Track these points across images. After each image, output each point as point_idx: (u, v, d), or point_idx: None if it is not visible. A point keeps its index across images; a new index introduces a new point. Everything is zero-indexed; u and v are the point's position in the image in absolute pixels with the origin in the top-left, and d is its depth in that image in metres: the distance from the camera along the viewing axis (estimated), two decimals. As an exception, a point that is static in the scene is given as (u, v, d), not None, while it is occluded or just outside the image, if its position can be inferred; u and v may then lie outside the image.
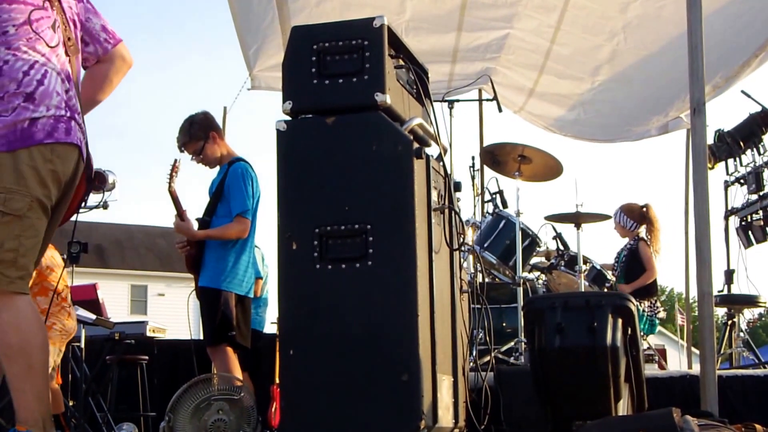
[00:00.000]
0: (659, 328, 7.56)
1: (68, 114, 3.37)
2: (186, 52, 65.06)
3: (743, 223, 7.95)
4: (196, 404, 4.00)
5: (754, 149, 7.86)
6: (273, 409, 6.65)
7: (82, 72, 3.67)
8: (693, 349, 10.74)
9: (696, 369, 6.04)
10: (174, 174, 5.17)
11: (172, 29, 63.46)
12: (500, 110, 7.06)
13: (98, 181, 6.55)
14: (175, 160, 5.24)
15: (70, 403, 7.13)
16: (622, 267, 7.54)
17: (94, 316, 7.21)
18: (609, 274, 7.31)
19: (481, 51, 8.40)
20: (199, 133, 5.39)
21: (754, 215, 7.80)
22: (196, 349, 6.99)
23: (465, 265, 6.06)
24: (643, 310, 7.27)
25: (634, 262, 7.47)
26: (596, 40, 7.81)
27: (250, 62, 7.91)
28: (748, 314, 8.73)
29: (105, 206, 6.64)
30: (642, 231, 7.56)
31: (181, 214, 5.22)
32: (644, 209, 7.58)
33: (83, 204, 3.64)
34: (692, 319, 10.77)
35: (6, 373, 3.29)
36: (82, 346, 7.24)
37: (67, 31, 3.47)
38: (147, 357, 8.47)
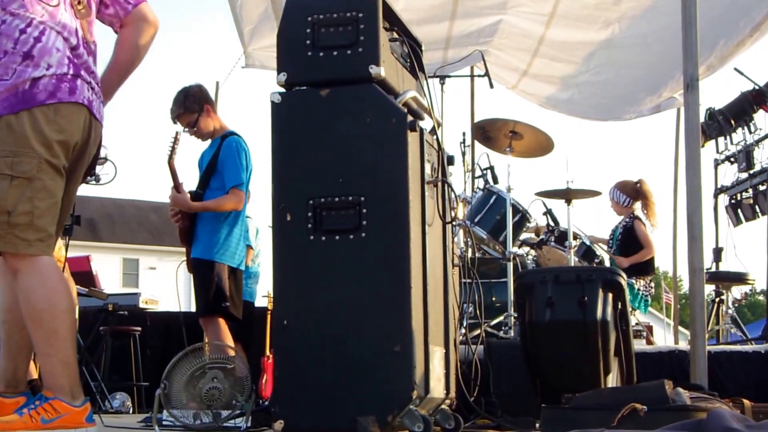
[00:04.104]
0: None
1: (72, 72, 3.33)
2: (180, 27, 64.71)
3: (733, 201, 7.98)
4: (191, 372, 4.02)
5: (745, 127, 7.88)
6: (263, 381, 6.69)
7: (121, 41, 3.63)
8: (680, 328, 10.83)
9: (683, 345, 6.09)
10: (175, 147, 5.16)
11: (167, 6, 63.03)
12: (491, 86, 7.06)
13: None
14: (177, 133, 5.20)
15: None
16: (618, 244, 7.53)
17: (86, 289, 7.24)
18: (599, 250, 7.32)
19: (474, 36, 8.35)
20: (193, 106, 5.37)
21: (743, 193, 7.83)
22: (186, 321, 7.03)
23: (455, 239, 6.10)
24: (638, 289, 7.29)
25: (630, 240, 7.44)
26: (590, 29, 7.78)
27: (245, 40, 7.84)
28: (736, 292, 8.79)
29: (97, 180, 6.63)
30: (637, 208, 7.55)
31: (177, 186, 5.22)
32: (638, 184, 7.57)
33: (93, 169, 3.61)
34: (679, 297, 10.82)
35: (31, 337, 3.28)
36: (76, 316, 7.27)
37: None
38: (140, 328, 8.52)
